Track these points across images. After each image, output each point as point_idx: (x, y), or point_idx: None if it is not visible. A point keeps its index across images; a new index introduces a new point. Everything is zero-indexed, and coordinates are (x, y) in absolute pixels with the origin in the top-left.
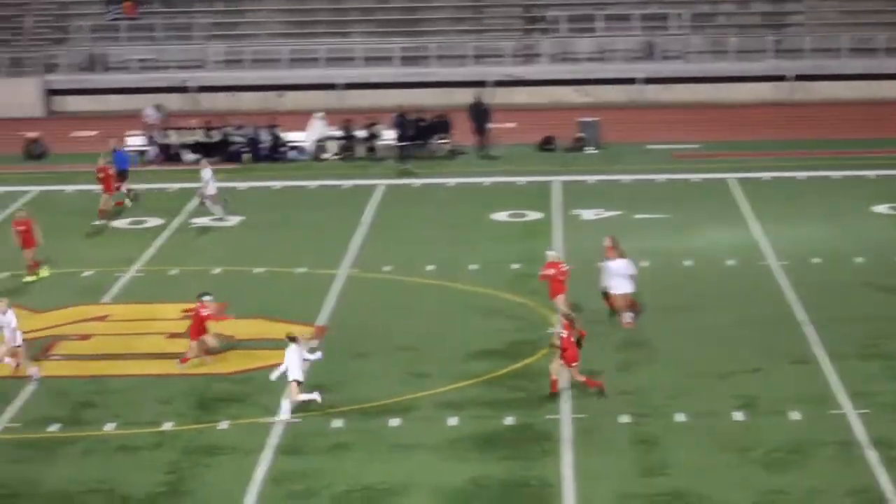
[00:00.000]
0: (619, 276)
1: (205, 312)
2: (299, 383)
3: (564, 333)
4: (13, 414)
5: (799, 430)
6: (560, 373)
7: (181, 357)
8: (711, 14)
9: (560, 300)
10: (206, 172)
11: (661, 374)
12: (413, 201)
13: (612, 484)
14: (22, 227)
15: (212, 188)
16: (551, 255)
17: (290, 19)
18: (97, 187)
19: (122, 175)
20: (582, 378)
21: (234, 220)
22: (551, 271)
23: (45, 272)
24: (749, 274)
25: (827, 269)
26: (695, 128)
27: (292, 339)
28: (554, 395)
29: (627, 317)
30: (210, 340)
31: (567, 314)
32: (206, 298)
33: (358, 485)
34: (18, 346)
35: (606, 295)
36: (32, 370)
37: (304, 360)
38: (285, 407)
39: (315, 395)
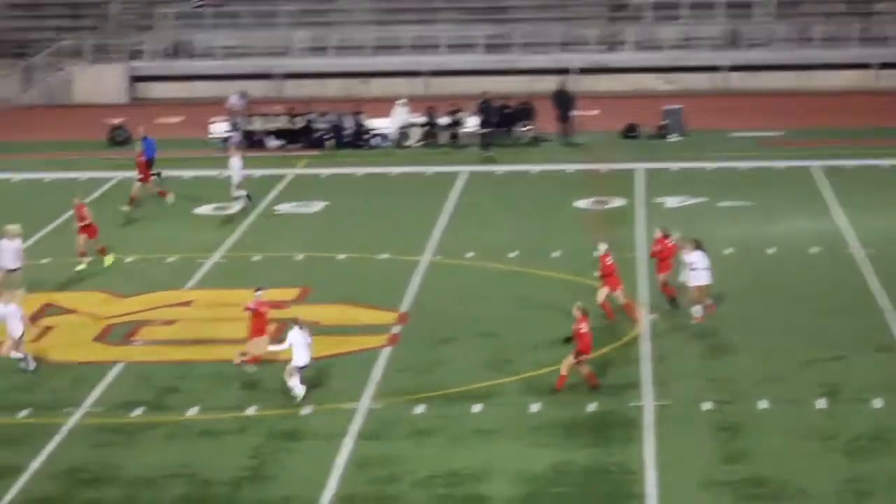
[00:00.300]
0: (694, 269)
1: (263, 309)
2: (300, 369)
3: (583, 329)
4: (96, 398)
5: (882, 418)
6: (582, 367)
7: (244, 356)
8: (796, 2)
9: (609, 293)
10: (236, 161)
11: (744, 361)
12: (496, 188)
13: (693, 471)
14: (83, 212)
15: (238, 175)
16: (602, 247)
17: (376, 6)
18: (178, 173)
19: (150, 163)
20: (585, 371)
21: (317, 207)
22: (609, 260)
23: (109, 259)
24: (833, 262)
25: None
26: (779, 115)
27: (297, 324)
28: (595, 387)
29: (697, 311)
30: (260, 347)
31: (583, 308)
32: (260, 293)
33: (440, 470)
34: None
35: (665, 285)
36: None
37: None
38: (297, 388)
39: (300, 390)
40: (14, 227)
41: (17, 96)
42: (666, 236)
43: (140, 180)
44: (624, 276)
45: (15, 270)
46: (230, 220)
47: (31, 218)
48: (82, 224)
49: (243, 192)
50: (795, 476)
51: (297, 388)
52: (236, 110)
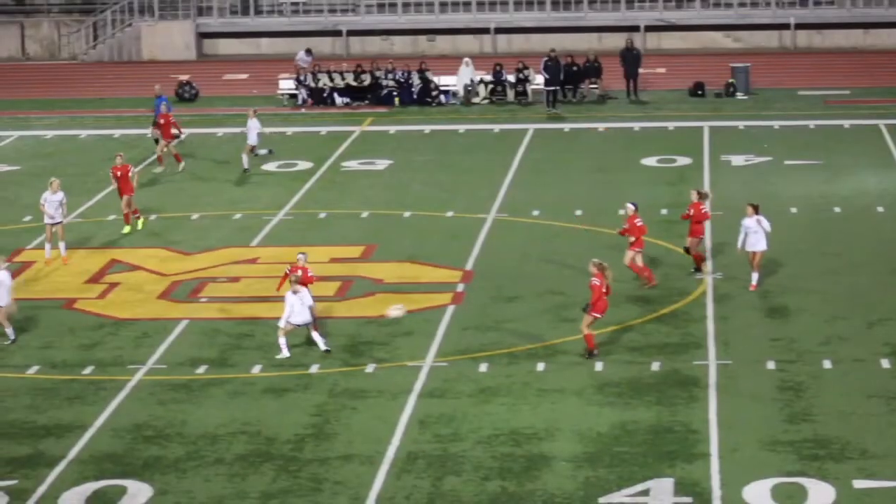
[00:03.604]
0: (752, 233)
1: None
2: (297, 326)
3: (598, 282)
4: (160, 355)
5: None
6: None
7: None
8: None
9: (630, 256)
10: (254, 122)
11: (808, 320)
12: (562, 146)
13: (756, 430)
14: (119, 173)
15: (253, 138)
16: (630, 208)
17: None
18: (243, 130)
19: (158, 123)
20: (587, 331)
21: (383, 164)
22: (639, 221)
23: (140, 224)
24: None
25: None
26: (847, 74)
27: (296, 285)
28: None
29: (755, 278)
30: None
31: (600, 264)
32: (301, 257)
33: (504, 429)
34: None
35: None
36: (8, 330)
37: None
38: (283, 347)
39: (286, 352)
40: (56, 181)
41: (85, 52)
42: (701, 199)
43: (164, 138)
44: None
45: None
46: (373, 175)
47: (98, 174)
48: (122, 181)
49: (263, 151)
50: (859, 436)
51: (283, 346)
52: (303, 67)
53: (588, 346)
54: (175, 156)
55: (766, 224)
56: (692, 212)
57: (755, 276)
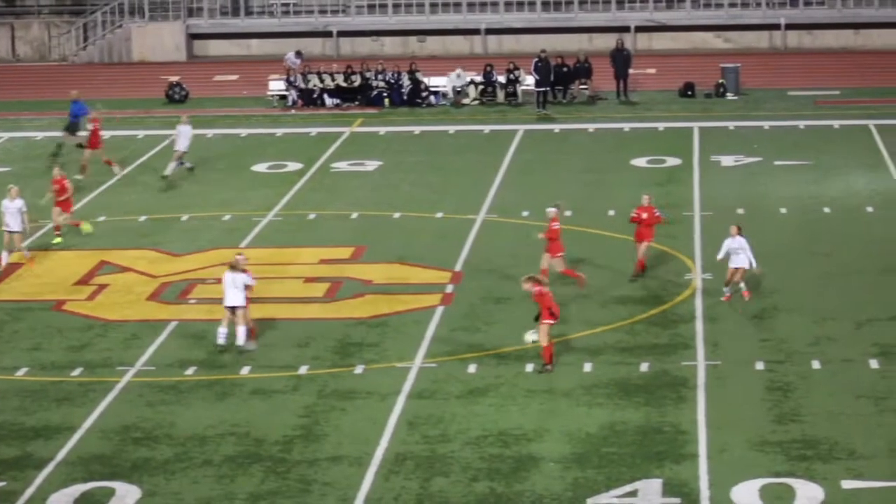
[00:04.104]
0: (735, 253)
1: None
2: (231, 310)
3: (535, 290)
4: (149, 357)
5: None
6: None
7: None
8: None
9: (551, 260)
10: (185, 128)
11: (797, 321)
12: (552, 147)
13: (745, 431)
14: (57, 186)
15: (184, 144)
16: (551, 211)
17: None
18: (235, 131)
19: (72, 128)
20: (547, 342)
21: (373, 165)
22: (557, 225)
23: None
24: (888, 221)
25: None
26: (837, 74)
27: (231, 266)
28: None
29: (743, 286)
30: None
31: (532, 277)
32: (240, 258)
33: (493, 430)
34: None
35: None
36: None
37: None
38: (219, 335)
39: (221, 338)
40: (14, 188)
41: (75, 53)
42: (651, 205)
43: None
44: (680, 235)
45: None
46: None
47: (89, 176)
48: (61, 198)
49: (187, 165)
50: (847, 437)
51: (222, 334)
52: (293, 68)
53: (545, 359)
54: (106, 161)
55: (747, 246)
56: (645, 214)
57: (742, 286)
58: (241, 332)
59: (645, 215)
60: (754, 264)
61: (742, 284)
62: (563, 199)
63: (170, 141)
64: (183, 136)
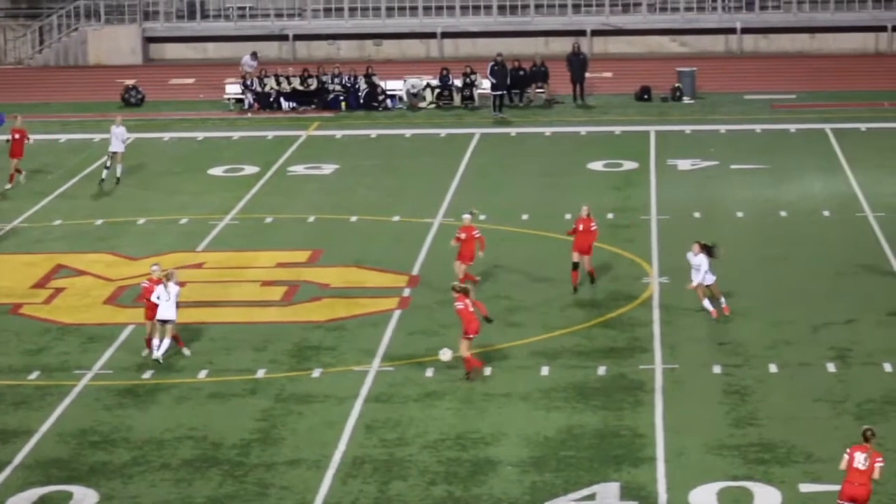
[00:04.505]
0: (703, 271)
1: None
2: (161, 322)
3: (461, 306)
4: (105, 360)
5: (892, 382)
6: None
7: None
8: None
9: (460, 267)
10: (119, 129)
11: (754, 325)
12: (509, 150)
13: (703, 434)
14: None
15: (118, 145)
16: (466, 218)
17: None
18: (191, 134)
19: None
20: (467, 354)
21: (329, 169)
22: (463, 235)
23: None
24: (845, 225)
25: None
26: (793, 78)
27: (167, 278)
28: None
29: (724, 301)
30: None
31: (459, 286)
32: (154, 268)
33: (450, 433)
34: None
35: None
36: None
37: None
38: (163, 344)
39: (157, 351)
40: None
41: (31, 57)
42: (590, 217)
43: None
44: (637, 238)
45: None
46: (320, 180)
47: (44, 179)
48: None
49: (107, 166)
50: (805, 440)
51: (155, 345)
52: (249, 71)
53: (467, 368)
54: (16, 170)
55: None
56: (581, 227)
57: (723, 300)
58: (165, 344)
59: (581, 227)
60: (709, 280)
61: (721, 299)
62: (477, 207)
63: (126, 144)
64: (116, 137)
